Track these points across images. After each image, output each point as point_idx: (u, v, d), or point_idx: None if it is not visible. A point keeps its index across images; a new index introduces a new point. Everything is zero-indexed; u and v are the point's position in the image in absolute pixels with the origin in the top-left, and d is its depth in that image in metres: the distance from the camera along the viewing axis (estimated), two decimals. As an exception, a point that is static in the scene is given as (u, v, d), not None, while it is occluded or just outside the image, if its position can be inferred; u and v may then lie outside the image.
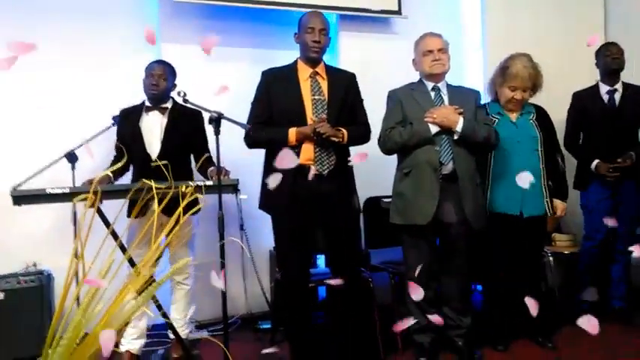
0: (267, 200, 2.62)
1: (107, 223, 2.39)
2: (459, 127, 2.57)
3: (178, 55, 3.22)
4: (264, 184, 2.61)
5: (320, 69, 2.63)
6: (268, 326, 3.29)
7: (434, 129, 2.59)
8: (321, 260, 3.42)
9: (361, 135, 2.69)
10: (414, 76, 2.81)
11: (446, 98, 2.70)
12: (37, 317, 2.80)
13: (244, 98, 2.68)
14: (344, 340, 2.65)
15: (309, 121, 2.52)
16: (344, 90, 2.64)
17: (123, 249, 2.51)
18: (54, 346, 0.96)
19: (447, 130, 2.58)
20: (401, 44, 3.52)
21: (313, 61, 2.61)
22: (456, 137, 2.58)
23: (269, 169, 2.60)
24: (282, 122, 2.54)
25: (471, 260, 2.72)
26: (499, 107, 2.95)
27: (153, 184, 2.16)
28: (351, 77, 2.74)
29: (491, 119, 2.85)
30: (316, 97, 2.57)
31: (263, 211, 2.67)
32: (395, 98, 2.73)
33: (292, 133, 2.50)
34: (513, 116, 2.92)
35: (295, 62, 2.67)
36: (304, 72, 2.62)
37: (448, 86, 2.75)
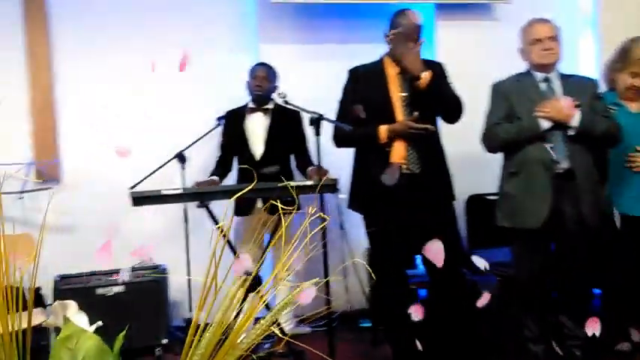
0: (358, 200, 2.59)
1: (216, 222, 2.51)
2: (575, 122, 2.37)
3: (275, 56, 3.29)
4: (353, 184, 2.58)
5: None
6: (369, 324, 3.28)
7: (545, 124, 2.41)
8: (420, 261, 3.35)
9: (453, 105, 2.53)
10: (519, 67, 2.64)
11: (559, 90, 2.50)
12: (153, 309, 3.00)
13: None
14: (447, 345, 2.57)
15: (398, 119, 2.45)
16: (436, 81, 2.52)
17: (231, 247, 2.64)
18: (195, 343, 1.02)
19: (560, 125, 2.40)
20: (504, 32, 3.32)
21: None
22: (571, 133, 2.39)
23: (359, 168, 2.57)
24: (370, 120, 2.49)
25: (590, 264, 2.52)
26: (615, 97, 2.69)
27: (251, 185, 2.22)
28: (439, 67, 2.60)
29: (610, 111, 2.61)
30: (405, 94, 2.49)
31: (353, 210, 2.65)
32: (500, 91, 2.58)
33: (383, 130, 2.44)
34: (633, 106, 2.65)
35: (381, 60, 2.60)
36: (392, 68, 2.54)
37: (561, 76, 2.55)
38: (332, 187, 2.48)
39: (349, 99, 2.58)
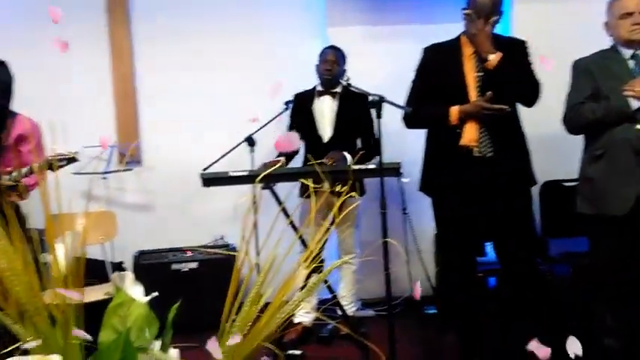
0: (429, 183, 2.53)
1: (280, 202, 2.57)
2: (667, 102, 2.16)
3: (344, 38, 3.27)
4: (424, 166, 2.53)
5: None
6: (434, 311, 3.22)
7: (635, 104, 2.21)
8: (490, 248, 3.23)
9: (528, 87, 2.39)
10: (601, 44, 2.43)
11: (648, 67, 2.28)
12: (224, 286, 3.13)
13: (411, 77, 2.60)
14: (518, 335, 2.47)
15: (472, 99, 2.35)
16: (510, 62, 2.38)
17: (294, 227, 2.69)
18: (232, 316, 1.06)
19: (652, 105, 2.19)
20: (588, 7, 3.07)
21: None
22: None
23: (429, 150, 2.51)
24: (442, 100, 2.40)
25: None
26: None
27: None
28: (520, 46, 2.46)
29: None
30: (480, 74, 2.38)
31: (424, 193, 2.60)
32: (583, 68, 2.39)
33: (454, 111, 2.35)
34: None
35: (458, 38, 2.49)
36: (468, 48, 2.43)
37: (651, 52, 2.32)
38: (395, 170, 2.44)
39: (422, 79, 2.52)
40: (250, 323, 1.13)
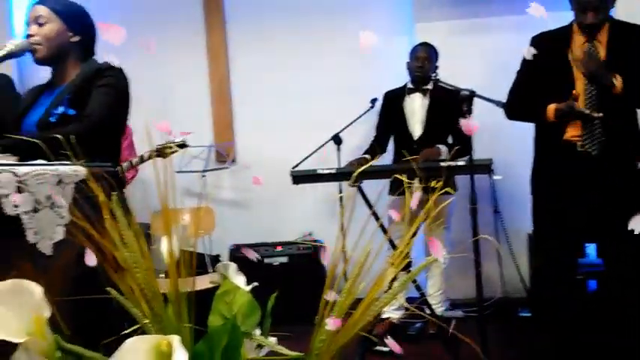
0: (533, 176, 2.42)
1: (367, 201, 2.61)
2: None
3: (432, 34, 3.24)
4: (534, 159, 2.42)
5: (602, 33, 2.23)
6: (528, 314, 3.09)
7: None
8: (591, 249, 3.04)
9: None
10: None
11: None
12: (312, 280, 3.22)
13: (514, 70, 2.50)
14: (622, 343, 2.32)
15: (578, 90, 2.22)
16: (627, 51, 2.20)
17: (382, 227, 2.72)
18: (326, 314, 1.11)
19: None
20: None
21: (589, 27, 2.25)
22: None
23: (537, 143, 2.40)
24: (549, 91, 2.29)
25: None
26: None
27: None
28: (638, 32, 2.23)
29: None
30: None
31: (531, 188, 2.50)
32: None
33: (550, 110, 2.23)
34: None
35: (570, 25, 2.35)
36: (580, 37, 2.28)
37: None
38: (486, 167, 2.38)
39: (528, 68, 2.41)
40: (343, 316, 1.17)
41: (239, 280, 1.35)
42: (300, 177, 2.65)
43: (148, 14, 3.50)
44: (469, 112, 2.30)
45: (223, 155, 3.50)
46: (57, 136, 1.38)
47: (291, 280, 3.20)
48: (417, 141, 2.97)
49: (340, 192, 3.37)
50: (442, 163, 2.40)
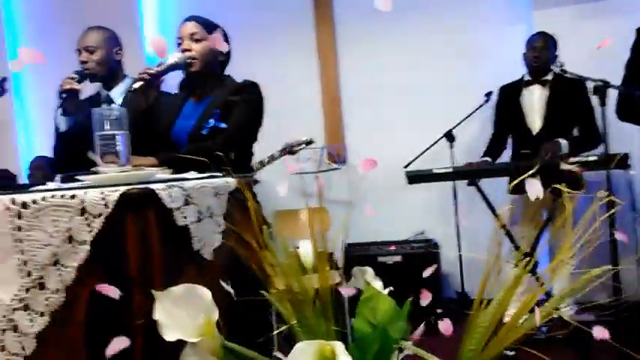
0: None
1: (488, 201, 2.52)
2: None
3: (551, 22, 3.05)
4: None
5: None
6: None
7: None
8: None
9: None
10: None
11: None
12: (428, 279, 3.18)
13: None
14: None
15: None
16: None
17: (502, 226, 2.62)
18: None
19: None
20: None
21: None
22: None
23: None
24: None
25: None
26: None
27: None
28: None
29: None
30: None
31: None
32: None
33: None
34: None
35: None
36: None
37: None
38: (622, 161, 2.21)
39: (638, 58, 2.22)
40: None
41: (376, 284, 1.38)
42: (416, 177, 2.62)
43: (259, 17, 3.65)
44: (602, 103, 2.14)
45: (334, 156, 3.57)
46: (212, 147, 1.52)
47: (405, 279, 3.18)
48: (537, 135, 2.82)
49: (454, 190, 3.30)
50: (572, 159, 2.25)
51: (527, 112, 2.83)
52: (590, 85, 2.24)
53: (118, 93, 2.21)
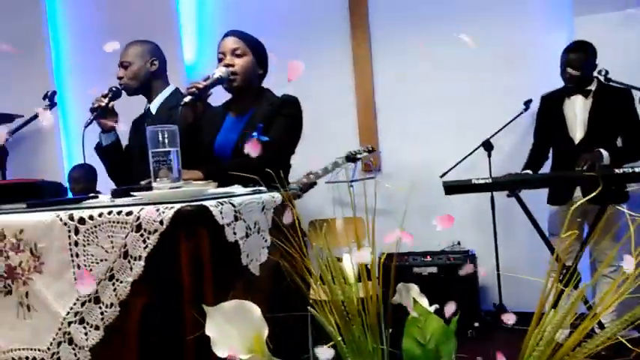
0: None
1: (528, 213, 2.47)
2: None
3: (593, 27, 2.98)
4: None
5: None
6: None
7: None
8: None
9: None
10: None
11: None
12: (465, 291, 3.12)
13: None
14: None
15: None
16: None
17: (543, 238, 2.56)
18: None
19: None
20: None
21: None
22: None
23: None
24: None
25: None
26: None
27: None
28: None
29: None
30: None
31: None
32: None
33: None
34: None
35: None
36: None
37: None
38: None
39: None
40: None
41: (422, 301, 1.36)
42: (454, 187, 2.58)
43: (295, 28, 3.68)
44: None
45: (369, 165, 3.56)
46: (254, 161, 1.54)
47: (441, 291, 3.13)
48: (578, 145, 2.75)
49: (492, 200, 3.24)
50: (617, 170, 2.19)
51: (570, 121, 2.76)
52: (636, 94, 2.18)
53: (155, 105, 2.26)
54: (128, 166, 2.15)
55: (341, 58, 3.67)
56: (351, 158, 3.06)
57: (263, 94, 1.88)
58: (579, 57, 2.65)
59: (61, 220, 1.09)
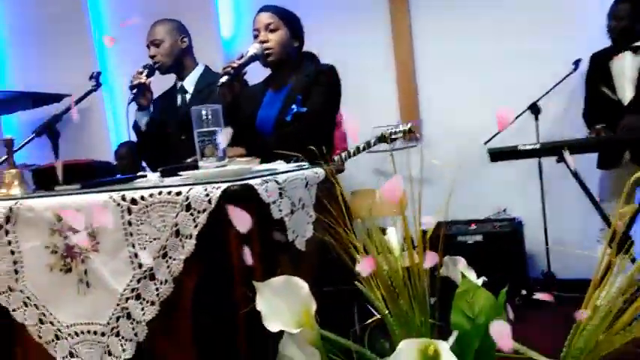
0: None
1: (576, 176, 2.38)
2: None
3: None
4: None
5: None
6: None
7: None
8: None
9: None
10: None
11: None
12: (511, 260, 3.07)
13: None
14: None
15: None
16: None
17: (593, 202, 2.47)
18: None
19: None
20: None
21: None
22: None
23: None
24: None
25: None
26: None
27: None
28: None
29: None
30: None
31: None
32: None
33: None
34: None
35: None
36: None
37: None
38: None
39: None
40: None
41: (470, 274, 1.34)
42: (499, 153, 2.51)
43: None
44: None
45: (410, 133, 3.50)
46: (294, 133, 1.54)
47: (487, 260, 3.10)
48: (628, 106, 2.61)
49: (540, 165, 3.14)
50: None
51: (618, 81, 2.61)
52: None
53: (190, 82, 2.28)
54: (162, 141, 2.17)
55: (379, 23, 3.58)
56: (385, 138, 2.93)
57: (300, 66, 1.86)
58: (625, 7, 2.50)
59: (114, 200, 1.13)
